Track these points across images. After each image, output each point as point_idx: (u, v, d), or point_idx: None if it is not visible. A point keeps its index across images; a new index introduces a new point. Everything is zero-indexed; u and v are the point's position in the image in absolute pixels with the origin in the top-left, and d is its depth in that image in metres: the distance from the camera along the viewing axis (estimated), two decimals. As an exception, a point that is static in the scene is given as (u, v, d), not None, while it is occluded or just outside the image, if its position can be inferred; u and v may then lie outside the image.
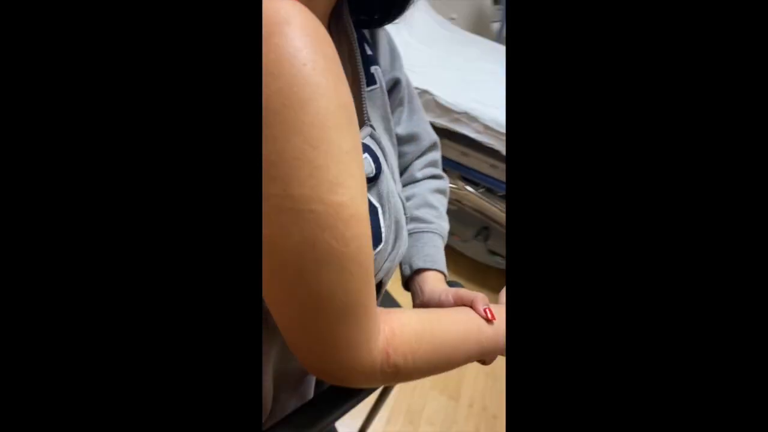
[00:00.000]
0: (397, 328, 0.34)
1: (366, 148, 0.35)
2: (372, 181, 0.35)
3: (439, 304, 0.45)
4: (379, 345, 0.33)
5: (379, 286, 0.44)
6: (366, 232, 0.29)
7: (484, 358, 0.42)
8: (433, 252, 0.50)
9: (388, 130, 0.45)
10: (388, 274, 0.42)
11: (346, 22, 0.39)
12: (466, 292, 0.44)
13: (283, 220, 0.25)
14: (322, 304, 0.28)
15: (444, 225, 0.54)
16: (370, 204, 0.35)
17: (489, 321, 0.40)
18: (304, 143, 0.24)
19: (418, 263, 0.49)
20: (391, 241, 0.38)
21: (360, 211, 0.28)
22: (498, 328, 0.41)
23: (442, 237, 0.52)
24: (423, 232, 0.52)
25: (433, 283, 0.48)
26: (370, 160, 0.35)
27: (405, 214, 0.42)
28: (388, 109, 0.45)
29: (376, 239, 0.36)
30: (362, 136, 0.36)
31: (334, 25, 0.39)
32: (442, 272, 0.50)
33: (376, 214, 0.36)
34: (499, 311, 0.42)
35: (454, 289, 0.45)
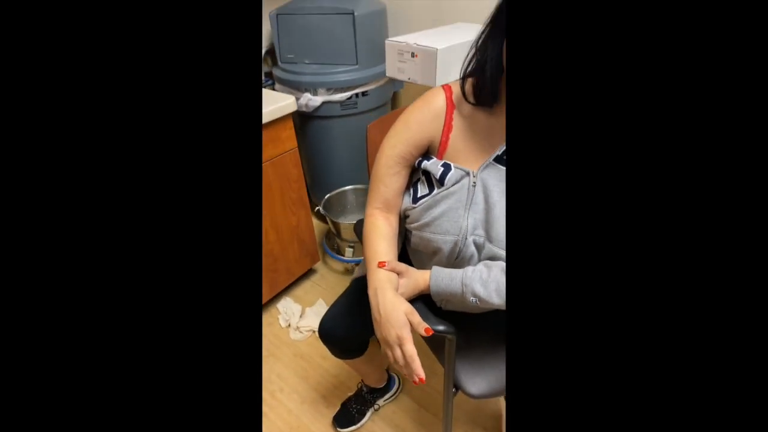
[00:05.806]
0: (381, 219, 0.75)
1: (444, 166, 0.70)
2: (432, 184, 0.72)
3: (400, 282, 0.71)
4: (373, 210, 0.76)
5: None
6: (379, 160, 0.73)
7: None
8: (443, 273, 0.69)
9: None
10: (422, 241, 0.73)
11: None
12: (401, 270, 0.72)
13: None
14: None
15: (474, 286, 0.66)
16: (429, 177, 0.72)
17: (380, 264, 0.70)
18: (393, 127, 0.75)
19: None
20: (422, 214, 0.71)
21: (384, 152, 0.73)
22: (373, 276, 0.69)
23: (463, 282, 0.66)
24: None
25: (415, 272, 0.71)
26: (437, 167, 0.70)
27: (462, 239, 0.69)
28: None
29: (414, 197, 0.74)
30: (454, 167, 0.69)
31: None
32: (426, 282, 0.71)
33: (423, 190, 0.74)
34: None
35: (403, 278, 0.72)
